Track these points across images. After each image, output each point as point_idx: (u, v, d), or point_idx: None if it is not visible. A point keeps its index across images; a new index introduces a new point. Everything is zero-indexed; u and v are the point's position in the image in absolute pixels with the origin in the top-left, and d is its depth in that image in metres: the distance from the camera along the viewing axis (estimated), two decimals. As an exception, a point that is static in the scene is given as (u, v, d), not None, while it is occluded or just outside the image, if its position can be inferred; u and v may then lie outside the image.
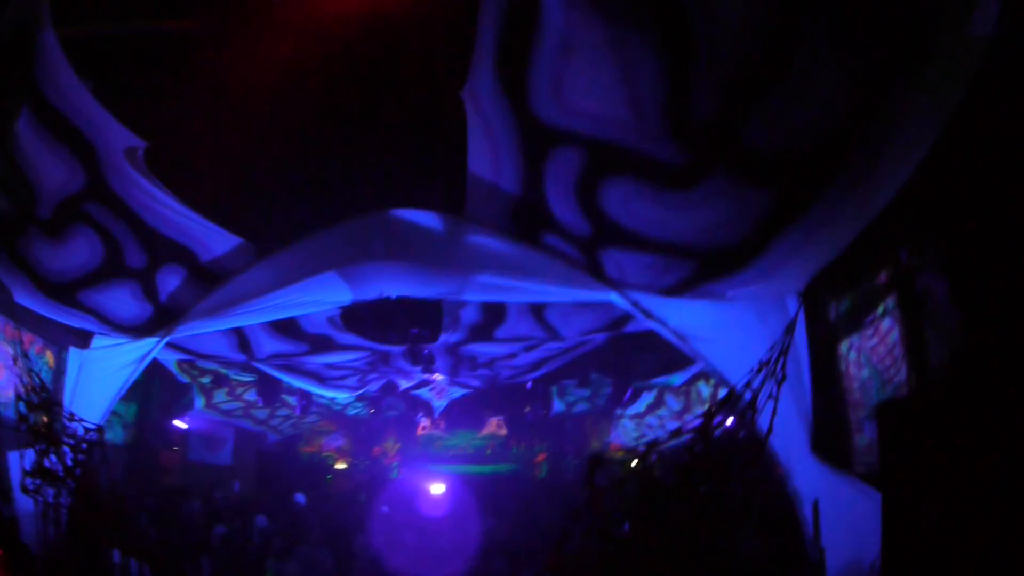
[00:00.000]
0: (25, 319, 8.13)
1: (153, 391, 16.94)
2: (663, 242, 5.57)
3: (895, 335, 5.22)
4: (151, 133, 6.04)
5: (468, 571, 12.21)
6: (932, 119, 3.94)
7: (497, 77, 4.82)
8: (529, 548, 13.63)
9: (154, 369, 15.30)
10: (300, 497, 17.85)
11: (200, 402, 17.02)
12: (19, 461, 7.80)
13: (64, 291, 7.56)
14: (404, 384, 16.20)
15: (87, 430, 8.29)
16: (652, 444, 5.72)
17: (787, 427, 5.98)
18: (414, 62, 5.90)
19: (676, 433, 5.70)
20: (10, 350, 8.03)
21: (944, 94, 3.78)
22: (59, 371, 9.10)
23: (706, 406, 5.96)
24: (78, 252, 7.14)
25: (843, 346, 6.09)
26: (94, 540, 7.99)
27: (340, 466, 24.00)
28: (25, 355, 8.10)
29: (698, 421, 5.71)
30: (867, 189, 4.51)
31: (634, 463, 5.62)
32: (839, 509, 5.67)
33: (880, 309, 5.50)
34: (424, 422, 22.26)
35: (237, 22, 6.00)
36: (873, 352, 5.62)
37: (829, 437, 6.10)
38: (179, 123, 6.29)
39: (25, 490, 7.69)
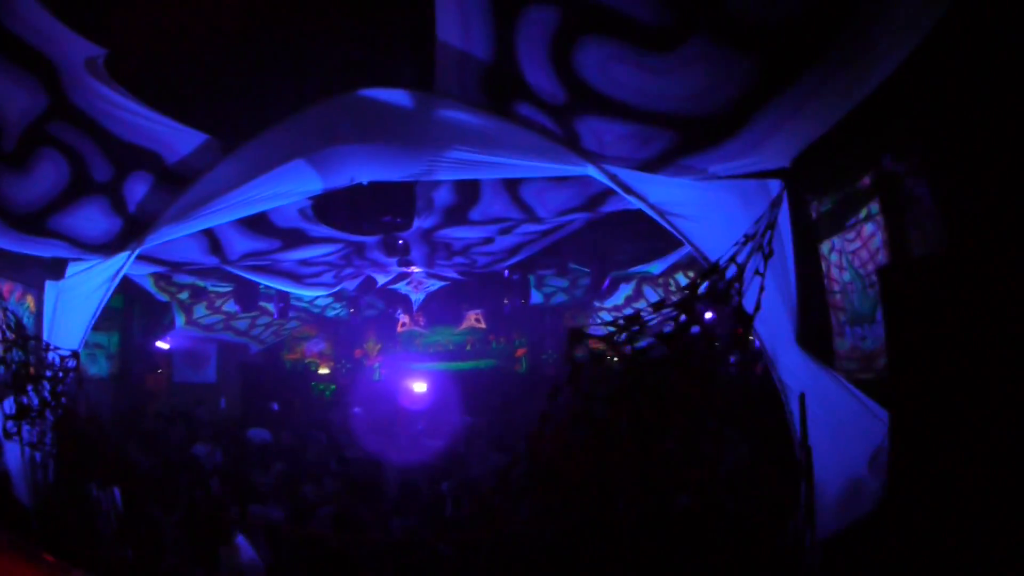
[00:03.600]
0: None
1: (135, 317, 16.95)
2: (642, 110, 5.36)
3: (878, 240, 5.14)
4: (110, 40, 5.80)
5: (445, 469, 12.30)
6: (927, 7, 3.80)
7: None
8: (508, 444, 13.75)
9: (134, 295, 15.28)
10: (274, 406, 17.92)
11: (180, 319, 17.01)
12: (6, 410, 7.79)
13: (33, 220, 7.49)
14: (382, 279, 16.07)
15: (63, 358, 8.20)
16: (634, 317, 5.58)
17: (772, 313, 5.88)
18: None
19: (659, 305, 5.54)
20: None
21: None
22: (39, 313, 9.06)
23: (692, 278, 5.81)
24: (45, 177, 7.04)
25: (824, 247, 6.00)
26: (77, 472, 7.92)
27: (323, 371, 24.01)
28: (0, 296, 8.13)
29: (682, 294, 5.58)
30: (857, 70, 4.36)
31: (615, 337, 5.44)
32: (824, 407, 5.58)
33: (863, 212, 5.40)
34: (403, 318, 22.28)
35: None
36: (855, 256, 5.54)
37: (813, 333, 6.00)
38: (136, 24, 5.91)
39: (7, 434, 7.68)
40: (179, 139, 7.04)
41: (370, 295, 19.01)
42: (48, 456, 7.87)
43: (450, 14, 5.15)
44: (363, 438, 15.29)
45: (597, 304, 17.55)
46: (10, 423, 7.68)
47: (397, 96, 6.29)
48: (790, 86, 4.60)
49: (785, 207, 5.88)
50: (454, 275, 15.96)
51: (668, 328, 5.29)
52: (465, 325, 23.08)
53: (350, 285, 16.29)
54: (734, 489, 6.11)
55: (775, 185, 5.89)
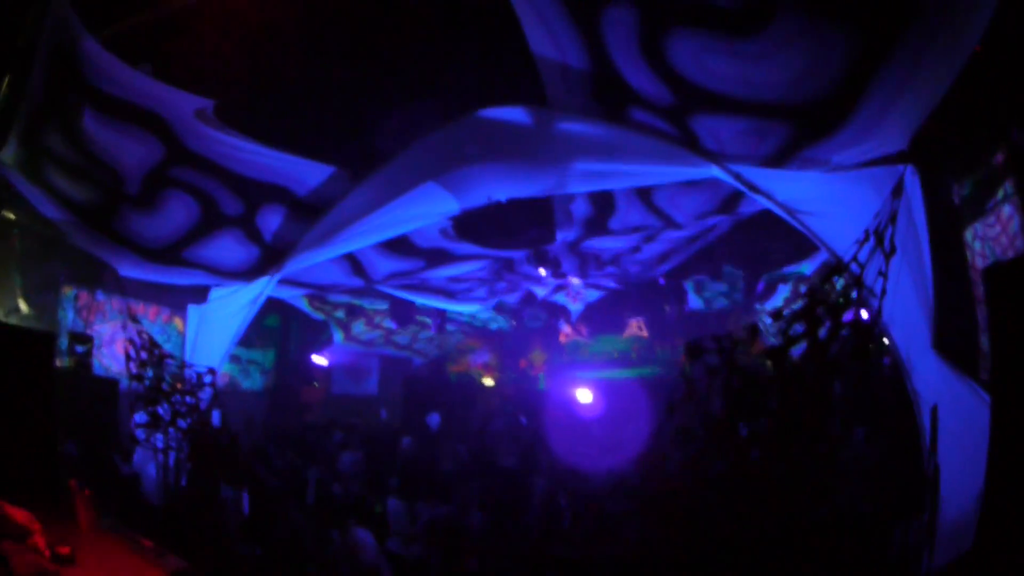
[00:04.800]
0: (142, 292, 8.81)
1: (291, 335, 17.73)
2: (751, 102, 5.24)
3: (1016, 224, 4.78)
4: (216, 90, 6.41)
5: (614, 477, 12.16)
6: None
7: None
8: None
9: (289, 314, 15.97)
10: (434, 417, 18.24)
11: (339, 336, 17.59)
12: (135, 419, 8.53)
13: (168, 253, 8.07)
14: (541, 292, 16.17)
15: (199, 375, 8.71)
16: (752, 330, 5.40)
17: (908, 317, 5.57)
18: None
19: (778, 315, 5.36)
20: (119, 320, 8.69)
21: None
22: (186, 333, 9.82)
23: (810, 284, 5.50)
24: (174, 215, 7.62)
25: (968, 234, 5.59)
26: (207, 476, 8.32)
27: (488, 382, 24.26)
28: (134, 318, 8.90)
29: (803, 302, 5.34)
30: (951, 30, 4.14)
31: (734, 351, 5.26)
32: (958, 419, 5.17)
33: (1000, 194, 5.05)
34: (565, 329, 22.28)
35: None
36: (996, 242, 5.17)
37: (953, 336, 5.59)
38: (240, 74, 6.67)
39: (135, 440, 8.43)
40: (305, 173, 7.42)
41: (532, 307, 19.16)
42: (181, 461, 8.39)
43: (534, 26, 5.24)
44: (525, 448, 15.30)
45: (759, 307, 17.04)
46: (139, 431, 8.36)
47: (515, 114, 6.39)
48: (891, 53, 4.40)
49: (919, 194, 5.53)
50: (611, 284, 15.89)
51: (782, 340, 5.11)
52: (628, 333, 22.82)
53: (510, 299, 16.48)
54: (860, 494, 5.76)
55: (908, 169, 5.53)
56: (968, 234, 5.71)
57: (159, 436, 8.43)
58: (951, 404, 5.28)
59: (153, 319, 8.97)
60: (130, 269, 8.41)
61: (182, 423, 8.40)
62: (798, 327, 5.03)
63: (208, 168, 7.14)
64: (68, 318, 11.59)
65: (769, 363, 5.04)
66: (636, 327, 22.45)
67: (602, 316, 20.41)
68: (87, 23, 5.64)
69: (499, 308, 18.24)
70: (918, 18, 4.10)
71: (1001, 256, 5.28)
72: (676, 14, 4.67)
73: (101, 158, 6.73)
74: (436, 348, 21.55)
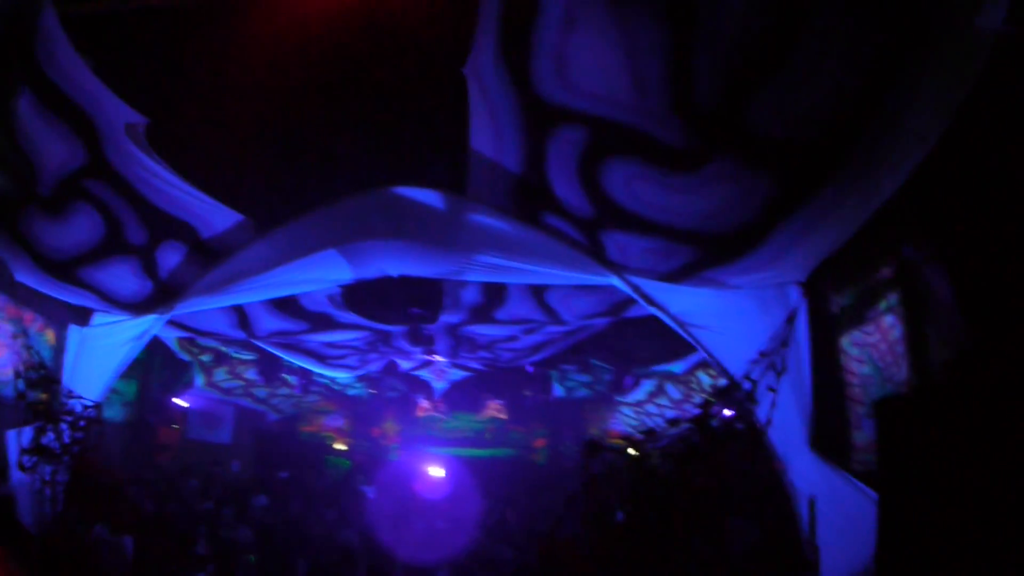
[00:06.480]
0: (26, 297, 8.08)
1: (154, 369, 17.06)
2: (666, 226, 5.51)
3: (897, 332, 5.18)
4: (152, 109, 5.98)
5: (463, 555, 12.18)
6: (937, 114, 3.84)
7: (500, 55, 4.75)
8: (527, 532, 13.73)
9: (155, 347, 15.38)
10: (283, 474, 17.93)
11: (200, 380, 17.06)
12: (16, 439, 7.84)
13: (64, 268, 7.51)
14: (405, 365, 16.15)
15: (85, 407, 8.33)
16: (649, 433, 5.67)
17: (786, 421, 5.93)
18: (416, 37, 5.79)
19: (674, 422, 5.66)
20: (10, 328, 8.01)
21: (950, 89, 3.69)
22: (59, 349, 8.98)
23: (706, 396, 5.88)
24: (78, 229, 7.10)
25: (844, 341, 6.03)
26: (87, 517, 7.91)
27: (339, 446, 24.01)
28: (25, 332, 8.09)
29: (696, 411, 5.67)
30: (870, 181, 4.42)
31: (631, 451, 5.56)
32: (836, 508, 5.56)
33: (883, 305, 5.45)
34: (424, 403, 22.27)
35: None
36: (874, 348, 5.57)
37: (828, 433, 5.98)
38: (180, 99, 6.25)
39: (22, 467, 7.75)
40: (214, 215, 7.15)
41: (392, 378, 19.09)
42: (57, 493, 7.94)
43: (484, 126, 5.39)
44: (375, 521, 15.09)
45: (618, 399, 17.52)
46: (25, 458, 7.77)
47: (430, 197, 6.51)
48: (806, 203, 4.71)
49: (803, 312, 5.96)
50: (478, 366, 16.03)
51: (681, 443, 5.39)
52: (486, 414, 23.06)
53: (374, 367, 16.36)
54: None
55: (793, 291, 5.99)
56: (844, 340, 6.11)
57: (44, 466, 7.93)
58: (826, 493, 5.64)
59: (28, 325, 8.20)
60: (24, 275, 7.69)
61: (66, 458, 8.01)
62: (696, 436, 5.32)
63: (122, 188, 6.73)
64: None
65: (669, 463, 5.31)
66: (495, 408, 22.68)
67: (462, 395, 20.49)
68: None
69: (362, 376, 18.11)
70: (839, 173, 4.40)
71: (879, 361, 5.67)
72: (625, 144, 4.89)
73: (24, 147, 6.19)
74: (292, 406, 21.22)
